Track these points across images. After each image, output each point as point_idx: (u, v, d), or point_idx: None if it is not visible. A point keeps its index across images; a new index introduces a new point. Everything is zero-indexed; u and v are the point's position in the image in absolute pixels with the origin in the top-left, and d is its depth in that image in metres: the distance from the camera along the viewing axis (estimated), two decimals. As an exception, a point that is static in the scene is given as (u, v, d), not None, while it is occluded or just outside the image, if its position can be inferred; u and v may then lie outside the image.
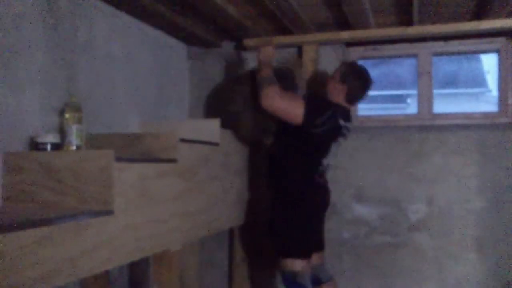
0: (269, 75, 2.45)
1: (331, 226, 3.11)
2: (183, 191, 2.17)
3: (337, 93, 2.51)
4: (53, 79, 2.09)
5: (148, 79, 2.92)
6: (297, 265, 2.44)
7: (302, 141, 2.44)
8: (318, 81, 3.00)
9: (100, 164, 1.67)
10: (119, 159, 1.70)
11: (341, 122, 2.46)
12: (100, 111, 2.42)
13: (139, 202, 1.82)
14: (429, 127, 3.05)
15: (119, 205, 1.69)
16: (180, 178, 2.15)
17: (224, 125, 2.68)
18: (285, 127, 2.47)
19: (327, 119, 2.39)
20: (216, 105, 3.29)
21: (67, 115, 2.00)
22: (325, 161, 2.53)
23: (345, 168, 3.13)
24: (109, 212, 1.65)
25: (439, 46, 3.07)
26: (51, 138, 1.90)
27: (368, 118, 3.25)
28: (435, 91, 3.11)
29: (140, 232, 1.82)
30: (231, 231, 3.22)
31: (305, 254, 2.48)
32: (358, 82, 2.51)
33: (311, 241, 2.55)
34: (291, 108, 2.37)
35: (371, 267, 3.05)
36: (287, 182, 2.51)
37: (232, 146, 2.82)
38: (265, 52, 2.57)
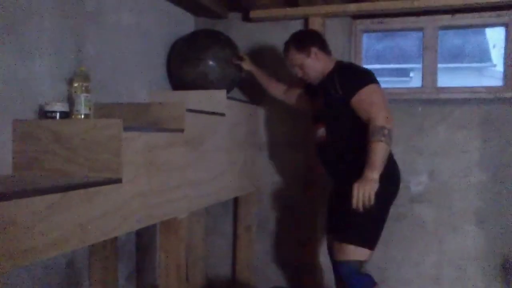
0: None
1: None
2: (190, 160, 2.20)
3: (320, 60, 2.39)
4: (62, 48, 2.10)
5: (156, 49, 2.92)
6: (364, 254, 2.30)
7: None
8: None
9: (109, 133, 1.69)
10: (127, 128, 1.72)
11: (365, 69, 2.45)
12: (108, 80, 2.43)
13: (147, 170, 1.85)
14: (433, 100, 3.06)
15: (128, 174, 1.72)
16: (187, 148, 2.18)
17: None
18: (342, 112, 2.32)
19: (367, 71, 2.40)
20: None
21: (75, 84, 2.01)
22: None
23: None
24: (118, 180, 1.68)
25: (446, 19, 3.05)
26: (60, 107, 1.91)
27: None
28: (440, 65, 3.10)
29: (147, 200, 1.86)
30: (235, 200, 3.27)
31: (375, 245, 2.35)
32: (314, 36, 2.45)
33: (382, 228, 2.40)
34: (384, 96, 2.31)
35: (372, 238, 3.09)
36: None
37: (238, 117, 2.84)
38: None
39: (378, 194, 2.16)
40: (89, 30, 2.28)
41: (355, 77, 2.34)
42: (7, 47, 1.80)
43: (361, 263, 2.28)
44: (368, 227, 2.31)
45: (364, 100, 2.25)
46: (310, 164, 3.15)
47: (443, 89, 3.08)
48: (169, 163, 2.03)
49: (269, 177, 3.32)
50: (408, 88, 3.24)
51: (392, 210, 3.05)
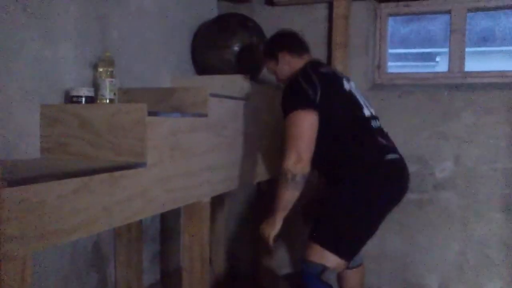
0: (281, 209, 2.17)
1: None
2: (213, 145, 2.21)
3: (287, 64, 2.31)
4: (87, 33, 2.12)
5: (180, 34, 2.92)
6: (331, 260, 2.11)
7: (329, 119, 2.16)
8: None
9: (134, 117, 1.71)
10: (151, 112, 1.74)
11: (320, 71, 2.22)
12: (132, 65, 2.45)
13: (171, 155, 1.87)
14: (460, 85, 3.00)
15: (152, 158, 1.74)
16: (210, 132, 2.19)
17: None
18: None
19: (312, 87, 2.13)
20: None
21: (100, 69, 2.04)
22: (366, 111, 2.26)
23: (373, 125, 3.13)
24: (142, 165, 1.70)
25: (475, 1, 2.98)
26: (85, 92, 1.94)
27: (397, 75, 3.21)
28: (468, 49, 3.03)
29: (171, 184, 1.88)
30: (258, 185, 3.28)
31: (350, 257, 2.19)
32: (283, 41, 2.36)
33: (364, 242, 2.22)
34: (306, 129, 2.10)
35: (395, 223, 3.08)
36: (351, 171, 2.16)
37: (262, 102, 2.84)
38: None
39: (348, 206, 2.13)
40: (114, 15, 2.29)
41: (287, 97, 2.21)
42: (32, 32, 1.82)
43: (324, 268, 2.09)
44: (343, 233, 2.14)
45: (286, 128, 2.16)
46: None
47: (471, 74, 3.02)
48: (193, 148, 2.04)
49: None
50: (434, 73, 3.19)
51: (416, 196, 3.05)
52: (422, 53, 7.92)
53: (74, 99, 1.93)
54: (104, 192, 1.51)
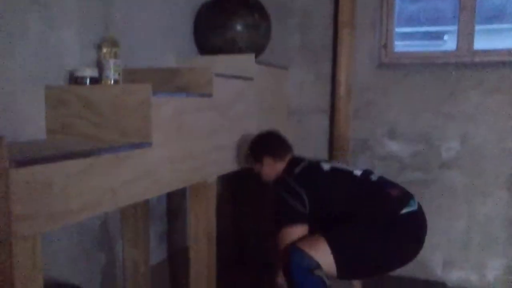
0: None
1: (363, 162, 3.15)
2: (218, 125, 2.22)
3: (271, 166, 2.35)
4: (90, 14, 2.11)
5: (182, 14, 2.90)
6: (328, 266, 2.03)
7: (328, 204, 2.19)
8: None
9: (138, 98, 1.71)
10: (156, 93, 1.74)
11: (296, 173, 2.24)
12: (136, 46, 2.44)
13: (176, 135, 1.88)
14: (468, 64, 2.97)
15: (157, 138, 1.75)
16: (215, 113, 2.19)
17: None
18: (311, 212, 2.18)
19: (298, 198, 2.15)
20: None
21: (104, 50, 2.03)
22: (357, 172, 2.27)
23: (379, 104, 3.12)
24: (148, 145, 1.71)
25: (484, -22, 2.93)
26: (89, 72, 1.94)
27: (404, 54, 3.18)
28: (477, 27, 2.99)
29: (177, 164, 1.89)
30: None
31: (343, 275, 2.11)
32: (267, 146, 2.38)
33: (363, 275, 2.25)
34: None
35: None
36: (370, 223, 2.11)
37: (267, 81, 2.83)
38: None
39: (367, 237, 2.09)
40: (117, -4, 2.28)
41: (277, 215, 2.22)
42: (36, 14, 1.82)
43: (319, 267, 2.00)
44: (356, 252, 2.08)
45: (279, 241, 2.16)
46: (336, 130, 3.14)
47: (479, 52, 2.98)
48: (198, 128, 2.04)
49: (297, 142, 3.32)
50: (442, 51, 3.14)
51: (421, 175, 3.05)
52: (430, 32, 7.81)
53: (79, 80, 1.93)
54: (110, 172, 1.52)
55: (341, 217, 2.14)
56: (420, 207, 2.21)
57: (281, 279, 2.16)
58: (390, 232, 2.09)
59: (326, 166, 2.29)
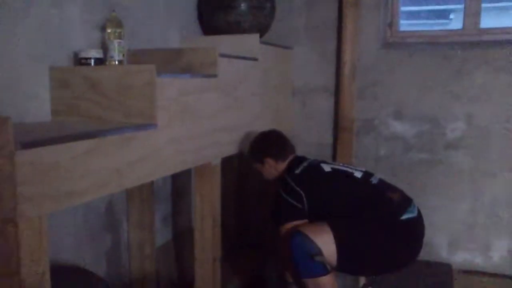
0: None
1: (367, 143, 3.14)
2: (223, 106, 2.20)
3: (273, 167, 2.35)
4: (94, -7, 2.09)
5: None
6: (330, 256, 2.03)
7: (327, 204, 2.19)
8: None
9: (142, 78, 1.70)
10: (160, 73, 1.73)
11: (296, 173, 2.24)
12: (140, 26, 2.41)
13: (181, 116, 1.87)
14: (474, 43, 2.94)
15: (162, 119, 1.74)
16: (220, 93, 2.18)
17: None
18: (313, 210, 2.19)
19: (297, 198, 2.16)
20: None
21: (108, 30, 2.01)
22: (357, 174, 2.26)
23: (384, 84, 3.10)
24: (153, 126, 1.70)
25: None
26: (94, 53, 1.92)
27: (410, 33, 3.14)
28: (484, 5, 2.94)
29: (182, 145, 1.89)
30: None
31: (343, 270, 2.15)
32: (268, 147, 2.37)
33: (361, 271, 2.27)
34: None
35: (405, 183, 3.06)
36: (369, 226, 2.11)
37: (271, 61, 2.81)
38: None
39: (368, 238, 2.09)
40: (120, -26, 2.25)
41: (277, 213, 2.24)
42: (39, -7, 1.80)
43: (321, 254, 2.00)
44: (358, 246, 2.08)
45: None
46: (340, 110, 3.12)
47: (486, 31, 2.94)
48: (203, 109, 2.03)
49: (302, 122, 3.31)
50: (447, 30, 3.11)
51: (426, 156, 3.04)
52: (435, 10, 7.72)
53: (83, 61, 1.91)
54: (115, 153, 1.52)
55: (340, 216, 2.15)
56: (419, 212, 2.21)
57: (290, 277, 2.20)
58: (390, 236, 2.10)
59: (326, 167, 2.28)
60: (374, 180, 2.26)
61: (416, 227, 2.19)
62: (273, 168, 2.36)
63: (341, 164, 2.41)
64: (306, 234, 2.02)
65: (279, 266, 2.32)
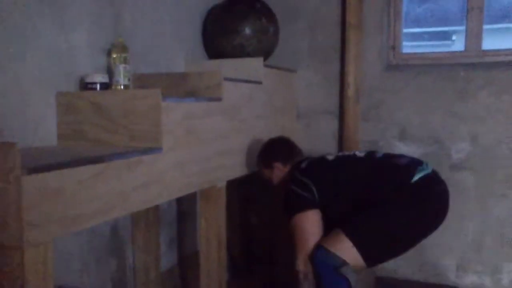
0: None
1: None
2: (228, 129, 2.21)
3: (282, 171, 2.36)
4: (100, 20, 2.11)
5: (191, 18, 2.91)
6: (355, 260, 2.04)
7: (339, 192, 2.21)
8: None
9: (148, 102, 1.71)
10: (166, 97, 1.74)
11: (302, 167, 2.28)
12: (145, 50, 2.44)
13: (186, 139, 1.87)
14: (477, 64, 2.95)
15: (168, 143, 1.74)
16: (225, 116, 2.19)
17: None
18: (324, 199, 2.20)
19: (307, 189, 2.18)
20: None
21: (114, 55, 2.04)
22: (359, 154, 2.31)
23: (388, 105, 3.10)
24: (158, 150, 1.71)
25: (492, -23, 2.91)
26: (100, 78, 1.95)
27: (413, 55, 3.16)
28: (485, 26, 2.96)
29: (187, 168, 1.89)
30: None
31: (374, 263, 2.17)
32: (277, 152, 2.40)
33: (394, 255, 2.21)
34: (310, 229, 2.15)
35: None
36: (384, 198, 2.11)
37: (275, 84, 2.83)
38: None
39: (387, 218, 2.09)
40: (126, 1, 2.28)
41: (287, 206, 2.25)
42: (47, 20, 1.83)
43: (345, 264, 2.02)
44: (378, 239, 2.09)
45: (292, 231, 2.21)
46: (345, 132, 3.13)
47: (488, 52, 2.96)
48: (208, 132, 2.04)
49: (306, 144, 3.31)
50: (450, 52, 3.13)
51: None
52: (438, 32, 7.76)
53: (89, 85, 1.93)
54: (121, 178, 1.52)
55: (353, 201, 2.16)
56: (434, 170, 2.20)
57: (302, 266, 2.16)
58: (405, 204, 2.10)
59: (330, 157, 2.34)
60: (378, 155, 2.30)
61: (431, 183, 2.16)
62: (281, 172, 2.38)
63: (345, 152, 2.46)
64: (327, 248, 2.05)
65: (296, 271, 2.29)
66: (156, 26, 2.53)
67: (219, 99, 2.13)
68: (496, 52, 2.95)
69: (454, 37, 7.69)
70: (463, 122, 2.96)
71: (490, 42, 3.03)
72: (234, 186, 3.11)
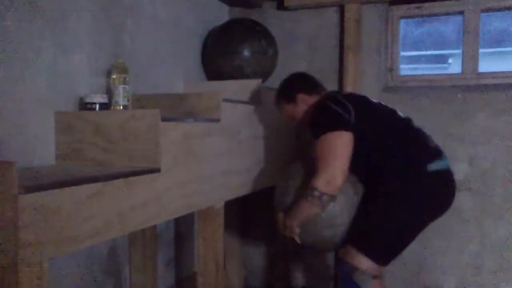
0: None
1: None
2: (226, 150, 2.22)
3: (306, 103, 2.28)
4: (100, 41, 2.14)
5: (191, 40, 2.94)
6: (364, 263, 2.06)
7: (370, 132, 2.12)
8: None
9: (147, 123, 1.72)
10: (165, 118, 1.75)
11: (345, 94, 2.30)
12: (145, 72, 2.46)
13: (184, 160, 1.88)
14: (473, 87, 2.98)
15: (166, 163, 1.75)
16: (224, 137, 2.19)
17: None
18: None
19: (344, 108, 2.09)
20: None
21: (113, 76, 2.06)
22: (401, 114, 2.25)
23: (386, 128, 3.11)
24: (156, 170, 1.71)
25: (488, 1, 2.95)
26: (99, 98, 1.96)
27: (410, 77, 3.19)
28: (481, 50, 3.00)
29: (185, 189, 1.89)
30: (272, 189, 3.27)
31: (383, 261, 2.12)
32: (298, 82, 2.34)
33: (400, 249, 2.15)
34: (341, 149, 2.02)
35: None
36: (394, 180, 2.09)
37: (273, 106, 2.84)
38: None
39: (387, 212, 2.08)
40: (126, 23, 2.32)
41: (319, 120, 2.15)
42: (48, 42, 1.85)
43: (356, 269, 2.05)
44: (379, 237, 2.10)
45: (318, 150, 2.07)
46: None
47: (484, 75, 2.99)
48: (206, 153, 2.05)
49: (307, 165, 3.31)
50: (447, 75, 3.15)
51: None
52: (435, 55, 7.83)
53: (88, 106, 1.94)
54: (119, 197, 1.52)
55: (374, 155, 2.12)
56: (449, 167, 2.19)
57: (322, 186, 2.01)
58: (410, 198, 2.08)
59: (373, 99, 2.28)
60: (415, 125, 2.23)
61: (445, 178, 2.17)
62: (306, 104, 2.26)
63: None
64: (342, 259, 2.13)
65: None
66: (156, 48, 2.56)
67: (217, 120, 2.14)
68: (492, 74, 2.99)
69: (450, 60, 7.75)
70: (461, 144, 2.98)
71: (486, 66, 3.07)
72: (232, 206, 3.11)
